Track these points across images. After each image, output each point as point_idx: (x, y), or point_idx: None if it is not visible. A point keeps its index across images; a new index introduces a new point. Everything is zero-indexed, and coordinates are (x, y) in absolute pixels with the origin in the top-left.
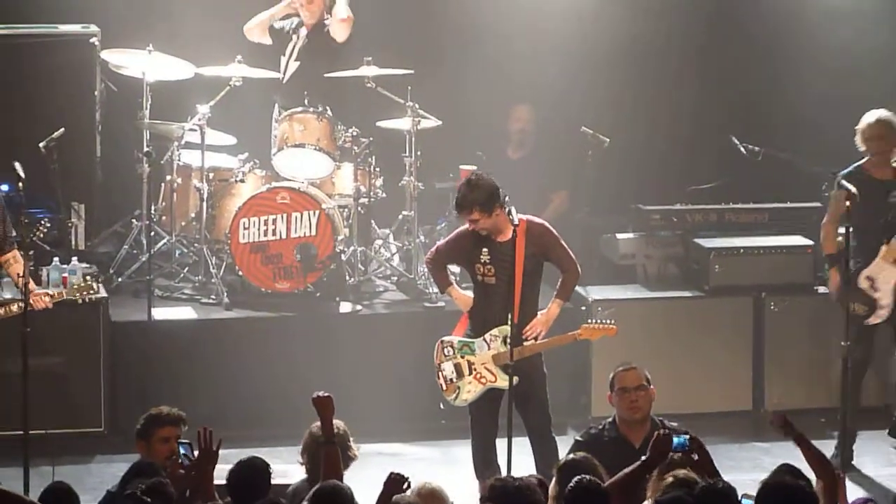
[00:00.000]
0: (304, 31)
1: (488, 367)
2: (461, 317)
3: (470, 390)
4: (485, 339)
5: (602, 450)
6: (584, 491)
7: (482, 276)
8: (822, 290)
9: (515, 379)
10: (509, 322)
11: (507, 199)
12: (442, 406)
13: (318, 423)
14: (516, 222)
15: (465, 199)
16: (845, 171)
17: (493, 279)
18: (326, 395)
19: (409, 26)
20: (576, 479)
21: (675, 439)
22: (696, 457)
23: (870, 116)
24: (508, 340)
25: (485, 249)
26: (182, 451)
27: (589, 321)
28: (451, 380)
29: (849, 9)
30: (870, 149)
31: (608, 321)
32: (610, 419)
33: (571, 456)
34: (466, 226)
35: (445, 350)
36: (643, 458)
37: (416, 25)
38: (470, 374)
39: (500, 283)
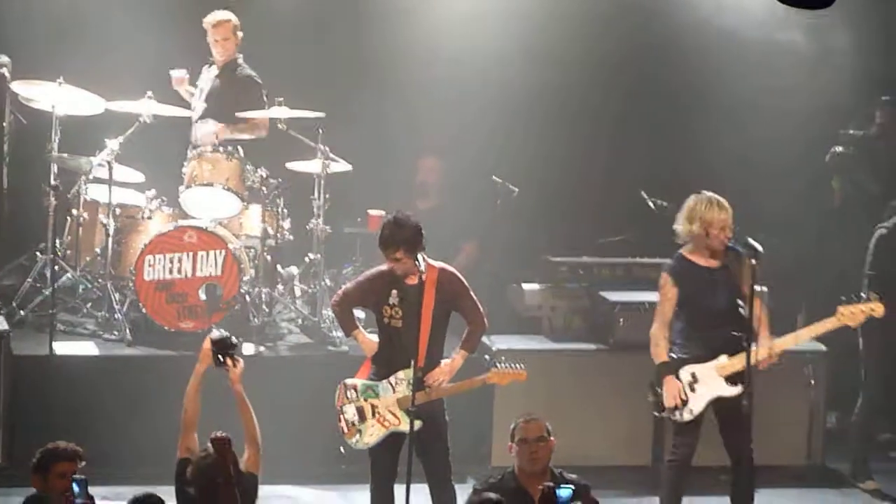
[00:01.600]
0: (214, 70)
1: (392, 411)
2: (364, 360)
3: (372, 433)
4: (390, 382)
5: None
6: None
7: (389, 319)
8: None
9: (418, 423)
10: (413, 366)
11: (425, 244)
12: (342, 450)
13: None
14: (422, 268)
15: (392, 237)
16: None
17: (399, 322)
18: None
19: (322, 69)
20: None
21: (560, 492)
22: None
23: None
24: (412, 384)
25: (394, 291)
26: (76, 488)
27: (498, 365)
28: (352, 423)
29: (765, 67)
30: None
31: (518, 366)
32: (509, 469)
33: (488, 495)
34: (377, 269)
35: (348, 393)
36: None
37: (329, 69)
38: (373, 416)
39: (406, 326)
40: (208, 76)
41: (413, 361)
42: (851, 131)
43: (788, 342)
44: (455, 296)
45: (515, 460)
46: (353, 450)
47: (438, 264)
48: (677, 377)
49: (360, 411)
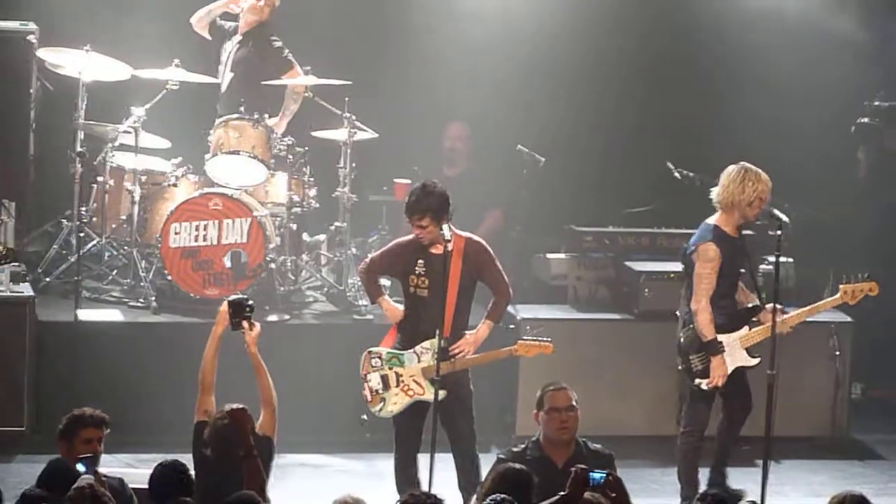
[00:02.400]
0: (237, 39)
1: (416, 380)
2: (389, 328)
3: (396, 402)
4: (415, 352)
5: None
6: None
7: (415, 288)
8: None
9: (443, 393)
10: (437, 336)
11: (453, 213)
12: (365, 417)
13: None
14: (448, 237)
15: (419, 203)
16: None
17: (425, 291)
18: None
19: (349, 38)
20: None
21: (592, 475)
22: (613, 494)
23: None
24: (437, 354)
25: (421, 261)
26: (82, 468)
27: (525, 337)
28: (377, 391)
29: (793, 40)
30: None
31: (545, 339)
32: (533, 438)
33: (512, 465)
34: (404, 238)
35: (373, 361)
36: (561, 493)
37: (355, 37)
38: (397, 385)
39: (431, 296)
40: (231, 46)
41: (438, 331)
42: (877, 103)
43: (794, 319)
44: (481, 266)
45: (541, 429)
46: (377, 418)
47: (465, 234)
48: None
49: (385, 379)
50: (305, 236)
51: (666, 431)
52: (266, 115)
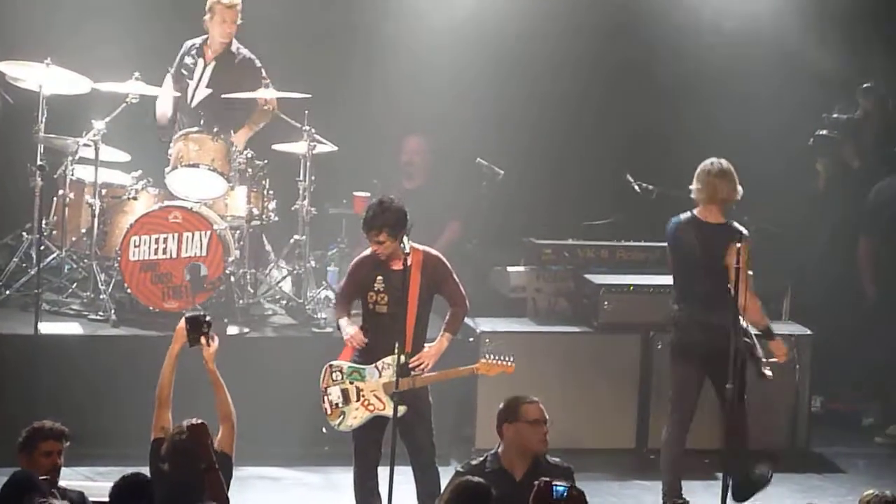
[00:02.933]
0: (208, 55)
1: (377, 395)
2: (346, 344)
3: (356, 416)
4: (376, 367)
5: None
6: None
7: (374, 304)
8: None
9: (403, 408)
10: (396, 351)
11: (411, 228)
12: (324, 430)
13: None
14: (407, 251)
15: (376, 219)
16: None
17: (385, 307)
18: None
19: (308, 51)
20: None
21: (556, 488)
22: None
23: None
24: (397, 367)
25: (379, 277)
26: None
27: (487, 356)
28: (337, 404)
29: (752, 53)
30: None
31: (507, 359)
32: (492, 451)
33: (469, 478)
34: (360, 255)
35: (334, 374)
36: None
37: (315, 50)
38: (357, 400)
39: (391, 312)
40: (205, 62)
41: (398, 346)
42: (835, 115)
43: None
44: (440, 279)
45: (506, 442)
46: (336, 431)
47: (422, 247)
48: None
49: (345, 393)
50: (266, 248)
51: (624, 445)
52: (312, 129)
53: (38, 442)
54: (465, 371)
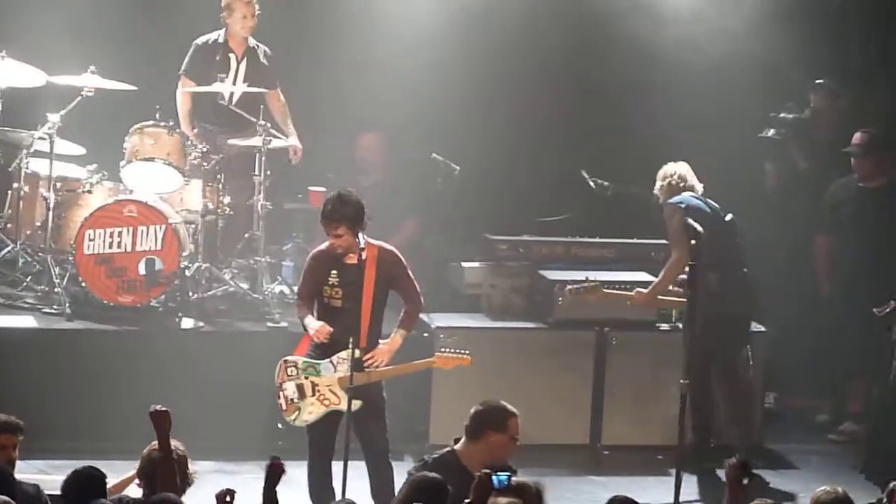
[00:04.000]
0: (237, 50)
1: (332, 390)
2: (303, 336)
3: (311, 411)
4: (331, 362)
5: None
6: None
7: (329, 299)
8: (663, 326)
9: (358, 403)
10: (350, 345)
11: (368, 222)
12: (280, 426)
13: (155, 444)
14: (362, 245)
15: (335, 212)
16: None
17: (339, 302)
18: (164, 409)
19: (265, 45)
20: None
21: (496, 478)
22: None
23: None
24: (351, 362)
25: (334, 272)
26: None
27: (443, 350)
28: (292, 400)
29: (705, 51)
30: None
31: (463, 351)
32: (448, 449)
33: (426, 474)
34: (315, 251)
35: (289, 370)
36: (467, 501)
37: (271, 45)
38: (313, 395)
39: (346, 306)
40: (232, 60)
41: (353, 341)
42: (782, 114)
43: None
44: (394, 275)
45: (485, 447)
46: (291, 426)
47: (377, 243)
48: None
49: (301, 389)
50: (219, 243)
51: (578, 440)
52: (268, 125)
53: None
54: (421, 365)
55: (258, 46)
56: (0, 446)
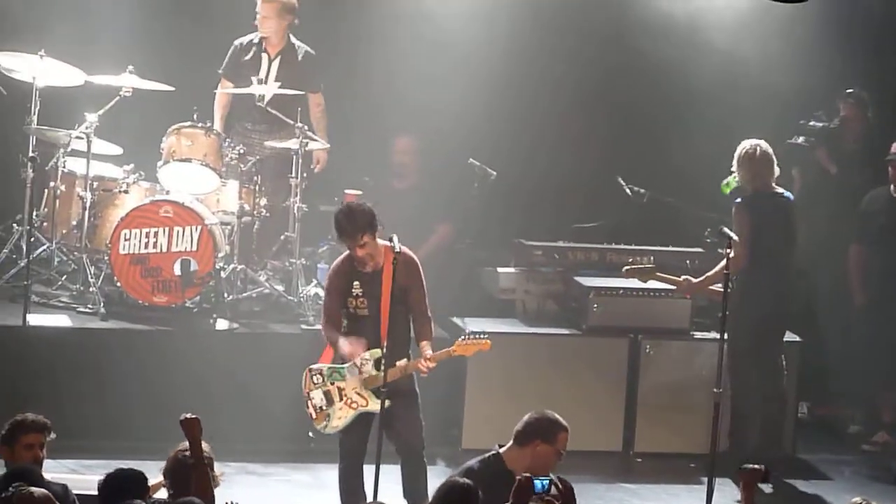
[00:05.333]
0: (271, 50)
1: (359, 392)
2: (328, 344)
3: (341, 416)
4: (355, 364)
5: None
6: None
7: (355, 309)
8: (698, 335)
9: (387, 402)
10: (382, 348)
11: (380, 227)
12: (311, 434)
13: (184, 445)
14: (398, 249)
15: (354, 224)
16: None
17: (365, 311)
18: (194, 416)
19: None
20: None
21: (537, 482)
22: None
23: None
24: (383, 364)
25: (356, 283)
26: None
27: (462, 338)
28: (320, 408)
29: (735, 58)
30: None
31: (482, 336)
32: (493, 453)
33: (456, 479)
34: (333, 266)
35: (314, 378)
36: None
37: (311, 48)
38: (340, 400)
39: (371, 313)
40: (265, 59)
41: (379, 342)
42: (812, 123)
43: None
44: (408, 282)
45: (530, 456)
46: (323, 435)
47: (393, 245)
48: None
49: (328, 395)
50: (255, 245)
51: (610, 447)
52: (304, 126)
53: (19, 435)
54: (441, 355)
55: (299, 47)
56: (27, 445)
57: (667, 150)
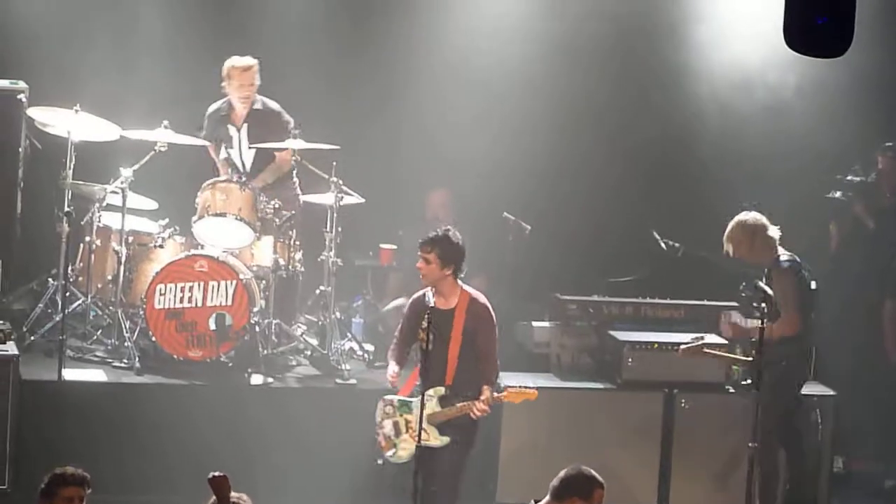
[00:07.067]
0: (236, 119)
1: (424, 427)
2: (409, 377)
3: (405, 448)
4: (422, 398)
5: None
6: None
7: (425, 343)
8: (732, 389)
9: (446, 439)
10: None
11: (464, 272)
12: (380, 462)
13: (212, 500)
14: (481, 298)
15: (435, 239)
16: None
17: (431, 344)
18: (222, 474)
19: (336, 102)
20: None
21: None
22: None
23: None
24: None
25: (427, 316)
26: None
27: (511, 385)
28: (389, 437)
29: (772, 111)
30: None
31: (529, 386)
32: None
33: None
34: (413, 296)
35: (386, 408)
36: None
37: (341, 101)
38: (406, 431)
39: (435, 348)
40: (233, 130)
41: (443, 379)
42: (849, 177)
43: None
44: (477, 327)
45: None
46: (390, 463)
47: (473, 293)
48: None
49: (396, 426)
50: (290, 300)
51: (646, 502)
52: (339, 181)
53: (58, 488)
54: (491, 400)
55: (265, 105)
56: (66, 499)
57: (702, 204)
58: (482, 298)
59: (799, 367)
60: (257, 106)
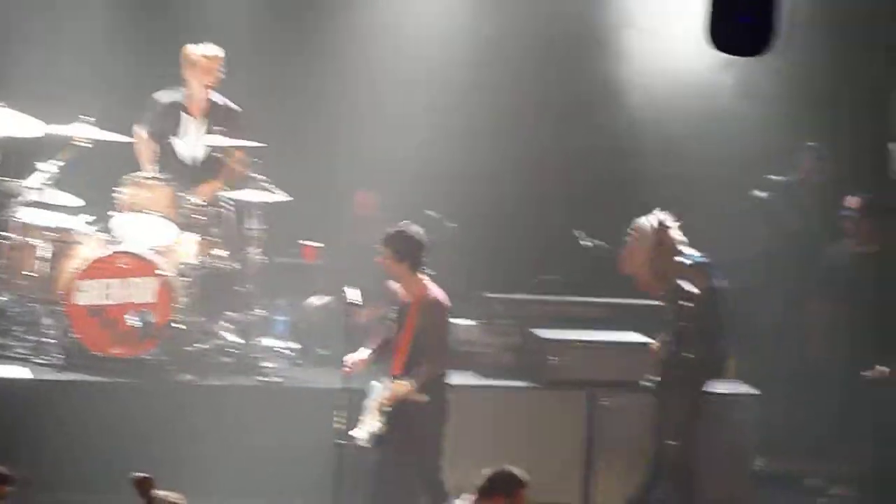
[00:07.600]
0: (194, 110)
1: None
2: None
3: (362, 428)
4: (380, 382)
5: None
6: None
7: (392, 332)
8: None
9: (378, 426)
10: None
11: (424, 267)
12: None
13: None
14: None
15: (388, 236)
16: None
17: (395, 333)
18: (145, 475)
19: (261, 98)
20: None
21: None
22: None
23: None
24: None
25: (395, 307)
26: None
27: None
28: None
29: (695, 110)
30: None
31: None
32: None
33: None
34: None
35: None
36: None
37: (272, 100)
38: (366, 413)
39: (396, 338)
40: (190, 121)
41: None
42: (773, 177)
43: None
44: (425, 322)
45: None
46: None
47: (430, 287)
48: None
49: (367, 406)
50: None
51: (569, 500)
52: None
53: None
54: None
55: (224, 102)
56: None
57: (630, 204)
58: (435, 294)
59: (704, 364)
60: (216, 99)
